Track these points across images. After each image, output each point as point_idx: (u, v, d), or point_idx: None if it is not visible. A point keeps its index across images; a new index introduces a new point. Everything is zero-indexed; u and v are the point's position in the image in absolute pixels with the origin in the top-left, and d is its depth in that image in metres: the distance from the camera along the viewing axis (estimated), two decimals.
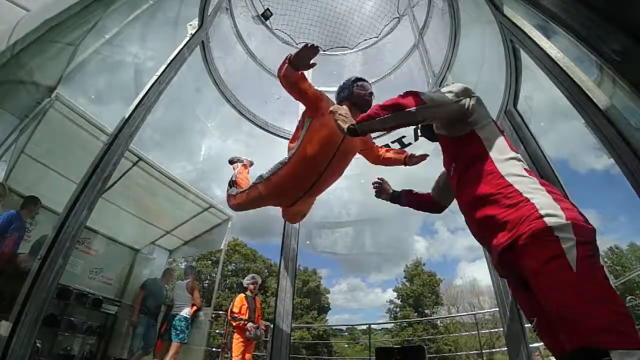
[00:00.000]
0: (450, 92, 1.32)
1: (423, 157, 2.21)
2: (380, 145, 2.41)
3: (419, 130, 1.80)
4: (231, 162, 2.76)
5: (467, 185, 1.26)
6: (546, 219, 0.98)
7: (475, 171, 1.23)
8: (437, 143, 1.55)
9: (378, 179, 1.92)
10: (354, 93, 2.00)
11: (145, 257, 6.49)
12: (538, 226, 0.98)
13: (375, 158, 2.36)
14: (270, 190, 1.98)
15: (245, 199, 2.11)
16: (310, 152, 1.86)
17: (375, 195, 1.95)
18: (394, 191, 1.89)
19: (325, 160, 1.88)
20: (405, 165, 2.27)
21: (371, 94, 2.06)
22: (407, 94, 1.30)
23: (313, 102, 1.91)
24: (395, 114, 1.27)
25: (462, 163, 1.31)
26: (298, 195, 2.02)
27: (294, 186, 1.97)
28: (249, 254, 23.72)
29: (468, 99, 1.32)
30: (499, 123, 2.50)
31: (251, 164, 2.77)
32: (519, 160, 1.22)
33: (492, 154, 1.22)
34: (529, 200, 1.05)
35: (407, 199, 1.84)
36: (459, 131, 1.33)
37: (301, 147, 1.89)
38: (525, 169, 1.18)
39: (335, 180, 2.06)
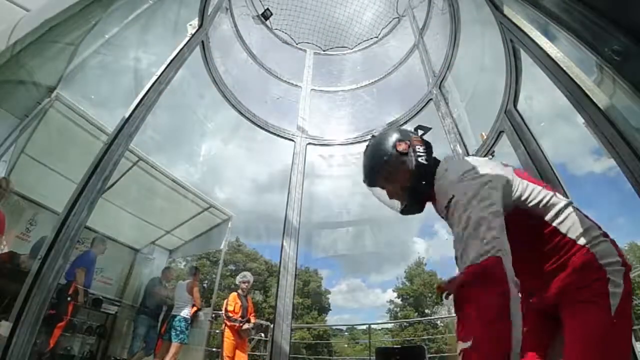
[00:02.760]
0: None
1: None
2: None
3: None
4: None
5: (525, 248, 1.02)
6: (607, 269, 0.96)
7: (539, 244, 1.04)
8: None
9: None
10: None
11: (145, 257, 6.50)
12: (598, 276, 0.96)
13: None
14: None
15: None
16: None
17: None
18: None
19: None
20: None
21: None
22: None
23: None
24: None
25: (516, 238, 0.99)
26: None
27: None
28: (250, 254, 23.73)
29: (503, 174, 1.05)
30: (498, 123, 2.51)
31: None
32: (556, 204, 1.04)
33: (547, 215, 1.03)
34: (592, 253, 0.97)
35: None
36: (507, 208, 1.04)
37: None
38: (575, 209, 1.04)
39: None
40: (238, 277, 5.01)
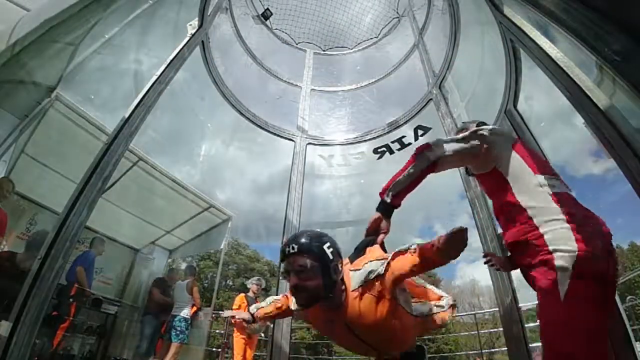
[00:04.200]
0: (457, 140, 1.38)
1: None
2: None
3: (419, 131, 1.81)
4: None
5: (501, 220, 1.37)
6: (555, 255, 1.06)
7: (504, 207, 1.31)
8: None
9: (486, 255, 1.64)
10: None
11: (145, 257, 6.49)
12: (545, 259, 1.09)
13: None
14: None
15: None
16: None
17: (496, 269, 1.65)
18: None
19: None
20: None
21: None
22: (421, 148, 1.38)
23: None
24: (414, 168, 1.36)
25: (494, 200, 1.40)
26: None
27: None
28: (250, 255, 23.72)
29: (477, 141, 1.35)
30: (498, 123, 2.51)
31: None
32: (544, 184, 1.21)
33: (515, 188, 1.26)
34: (542, 236, 1.12)
35: None
36: (484, 168, 1.39)
37: None
38: (552, 194, 1.18)
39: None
40: (250, 280, 5.05)
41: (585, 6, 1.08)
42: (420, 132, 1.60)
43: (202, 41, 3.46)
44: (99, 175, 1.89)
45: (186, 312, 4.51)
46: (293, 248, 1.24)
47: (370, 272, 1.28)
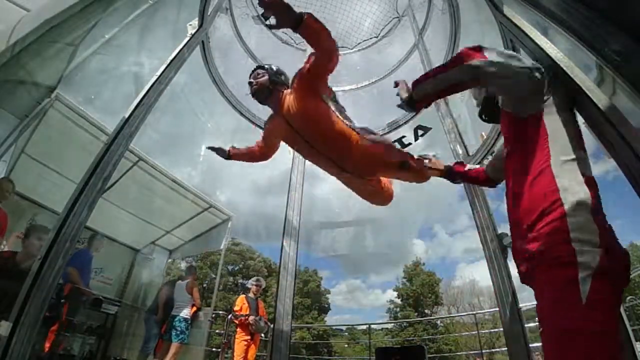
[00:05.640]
0: (524, 64, 1.13)
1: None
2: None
3: (418, 131, 1.73)
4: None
5: (517, 176, 1.11)
6: (576, 246, 0.88)
7: (528, 164, 1.06)
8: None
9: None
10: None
11: (145, 257, 6.50)
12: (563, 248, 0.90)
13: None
14: None
15: None
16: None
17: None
18: (445, 166, 1.79)
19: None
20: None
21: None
22: (473, 49, 1.15)
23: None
24: (454, 70, 1.14)
25: (517, 150, 1.14)
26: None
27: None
28: (249, 255, 23.73)
29: (542, 76, 1.12)
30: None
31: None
32: (581, 162, 1.03)
33: (553, 150, 1.03)
34: (565, 216, 0.92)
35: (459, 174, 1.76)
36: (526, 110, 1.12)
37: None
38: (584, 175, 1.00)
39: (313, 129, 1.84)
40: (250, 281, 5.05)
41: (585, 6, 1.08)
42: (420, 132, 1.61)
43: (202, 41, 3.46)
44: (99, 176, 1.89)
45: (186, 312, 4.51)
46: (256, 67, 1.98)
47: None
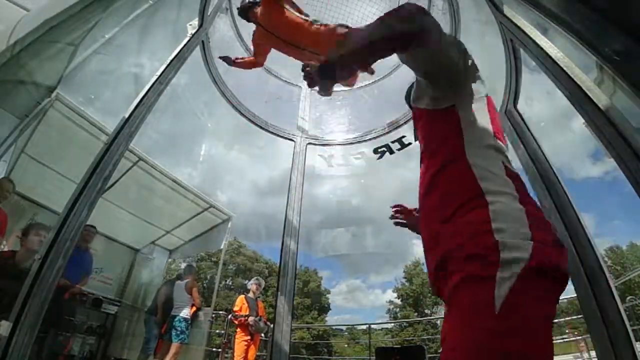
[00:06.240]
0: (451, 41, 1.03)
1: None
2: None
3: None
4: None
5: (430, 170, 0.98)
6: (499, 238, 0.71)
7: (443, 157, 0.96)
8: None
9: (396, 206, 1.42)
10: None
11: (145, 257, 6.50)
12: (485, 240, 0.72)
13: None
14: None
15: None
16: None
17: (399, 224, 1.43)
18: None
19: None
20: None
21: None
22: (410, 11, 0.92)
23: None
24: (383, 24, 0.87)
25: (433, 144, 1.04)
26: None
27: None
28: (250, 255, 23.73)
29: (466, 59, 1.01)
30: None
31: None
32: (501, 151, 0.94)
33: (468, 140, 0.93)
34: (487, 205, 0.78)
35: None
36: (442, 102, 1.02)
37: None
38: (505, 166, 0.89)
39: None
40: (249, 281, 5.06)
41: (585, 6, 1.08)
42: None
43: (202, 41, 3.46)
44: (99, 176, 1.89)
45: (186, 312, 4.52)
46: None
47: None
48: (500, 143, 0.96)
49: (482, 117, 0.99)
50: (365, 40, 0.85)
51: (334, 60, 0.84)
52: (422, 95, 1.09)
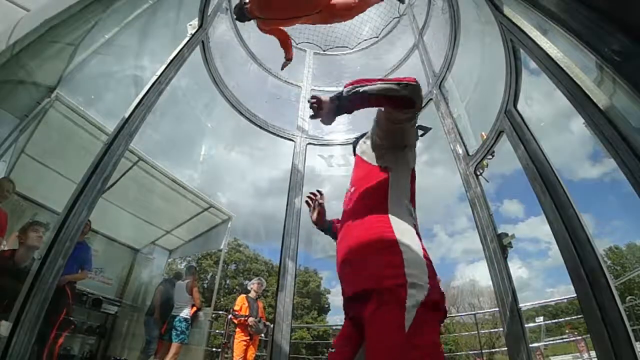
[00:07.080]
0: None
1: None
2: None
3: (418, 131, 1.56)
4: None
5: (356, 214, 1.19)
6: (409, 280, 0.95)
7: (369, 206, 1.17)
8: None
9: (316, 191, 1.71)
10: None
11: (145, 257, 6.50)
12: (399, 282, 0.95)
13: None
14: None
15: None
16: None
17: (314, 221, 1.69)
18: (326, 221, 1.67)
19: None
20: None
21: None
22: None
23: None
24: (383, 86, 1.12)
25: (362, 192, 1.24)
26: None
27: None
28: (250, 255, 23.72)
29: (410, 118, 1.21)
30: (498, 123, 2.51)
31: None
32: (412, 212, 1.19)
33: (392, 199, 1.17)
34: (401, 253, 1.01)
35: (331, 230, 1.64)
36: (385, 161, 1.25)
37: None
38: (413, 224, 1.15)
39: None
40: (250, 281, 5.07)
41: (585, 6, 1.08)
42: (420, 132, 1.59)
43: (202, 41, 3.46)
44: (99, 176, 1.89)
45: (186, 313, 4.51)
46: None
47: None
48: (412, 208, 1.22)
49: (406, 184, 1.24)
50: (378, 92, 1.13)
51: (348, 99, 1.15)
52: (366, 151, 1.35)
